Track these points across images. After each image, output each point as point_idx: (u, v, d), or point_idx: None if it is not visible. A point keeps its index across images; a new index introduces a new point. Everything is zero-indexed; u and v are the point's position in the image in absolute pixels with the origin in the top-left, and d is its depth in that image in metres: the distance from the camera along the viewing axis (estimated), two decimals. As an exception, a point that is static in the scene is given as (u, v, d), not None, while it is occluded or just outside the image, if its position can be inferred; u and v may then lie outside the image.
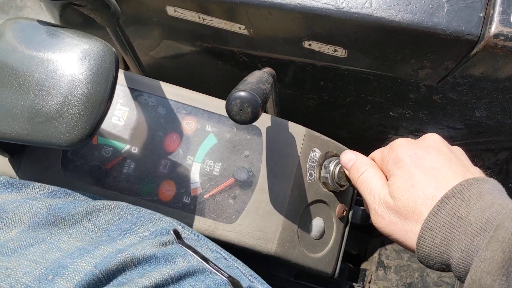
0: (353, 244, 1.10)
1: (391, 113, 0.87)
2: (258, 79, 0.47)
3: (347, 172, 0.56)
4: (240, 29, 0.73)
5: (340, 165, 0.58)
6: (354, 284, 0.73)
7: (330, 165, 0.59)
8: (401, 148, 0.50)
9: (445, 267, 0.44)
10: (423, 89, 0.75)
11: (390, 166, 0.50)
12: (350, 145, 1.09)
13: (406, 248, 0.48)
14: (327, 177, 0.59)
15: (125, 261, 0.39)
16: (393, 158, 0.50)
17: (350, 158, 0.56)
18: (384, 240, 1.04)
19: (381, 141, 1.02)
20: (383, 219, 0.48)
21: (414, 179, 0.46)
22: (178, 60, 0.96)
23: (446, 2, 0.62)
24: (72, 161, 0.54)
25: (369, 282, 1.02)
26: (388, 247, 1.03)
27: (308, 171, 0.58)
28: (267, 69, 0.53)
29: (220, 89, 1.03)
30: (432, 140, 0.51)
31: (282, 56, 0.78)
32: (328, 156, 0.60)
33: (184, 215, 0.54)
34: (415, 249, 0.45)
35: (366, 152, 0.70)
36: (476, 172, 0.47)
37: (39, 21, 0.43)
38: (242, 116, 0.43)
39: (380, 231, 0.51)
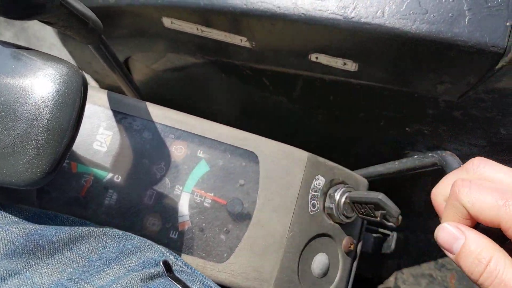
0: (367, 267, 1.04)
1: (407, 129, 0.80)
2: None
3: (450, 255, 0.37)
4: (241, 41, 0.67)
5: (346, 194, 0.52)
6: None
7: (335, 194, 0.53)
8: None
9: None
10: (442, 105, 0.69)
11: None
12: (364, 161, 1.03)
13: None
14: (332, 208, 0.52)
15: None
16: None
17: (455, 237, 0.36)
18: (400, 262, 0.97)
19: (398, 156, 0.95)
20: None
21: None
22: (181, 73, 0.91)
23: (467, 11, 0.55)
24: (48, 193, 0.49)
25: (385, 309, 0.95)
26: (405, 271, 0.96)
27: (311, 201, 0.52)
28: None
29: (225, 103, 0.97)
30: None
31: (288, 70, 0.72)
32: (333, 184, 0.54)
33: (169, 253, 0.48)
34: None
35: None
36: None
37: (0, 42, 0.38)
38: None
39: None
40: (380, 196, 0.47)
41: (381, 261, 1.05)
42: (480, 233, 0.36)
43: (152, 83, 1.02)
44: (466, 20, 0.55)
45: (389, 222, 0.47)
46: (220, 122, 1.07)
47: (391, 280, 0.98)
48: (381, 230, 0.66)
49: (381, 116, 0.79)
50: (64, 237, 0.41)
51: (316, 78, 0.72)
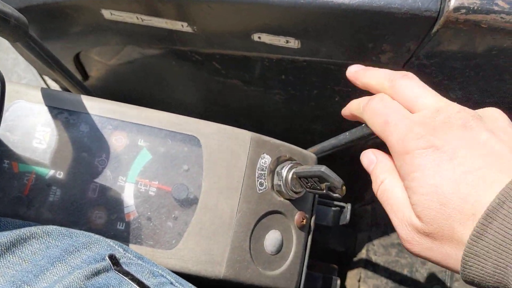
0: (339, 241, 1.05)
1: (362, 101, 0.81)
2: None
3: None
4: (183, 26, 0.66)
5: (293, 170, 0.52)
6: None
7: (282, 170, 0.53)
8: (417, 148, 0.36)
9: None
10: (389, 75, 0.69)
11: (404, 173, 0.37)
12: (326, 139, 1.03)
13: (451, 271, 0.39)
14: (280, 185, 0.53)
15: None
16: (407, 162, 0.36)
17: (370, 160, 0.44)
18: (370, 235, 0.98)
19: (359, 131, 0.95)
20: (412, 245, 0.37)
21: (442, 196, 0.34)
22: (137, 65, 0.90)
23: (398, -23, 0.55)
24: (-11, 195, 0.48)
25: (359, 281, 0.97)
26: (376, 242, 0.97)
27: (258, 180, 0.52)
28: None
29: (184, 92, 0.97)
30: (466, 122, 0.36)
31: (235, 52, 0.72)
32: (280, 161, 0.54)
33: (117, 244, 0.48)
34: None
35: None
36: None
37: None
38: None
39: (413, 255, 0.40)
40: (322, 169, 0.48)
41: (352, 234, 1.06)
42: (388, 157, 0.43)
43: (109, 78, 1.01)
44: (398, -14, 0.55)
45: (335, 193, 0.48)
46: (182, 111, 1.06)
47: (363, 252, 1.00)
48: (336, 203, 0.66)
49: (335, 92, 0.79)
50: (6, 241, 0.41)
51: (264, 58, 0.72)
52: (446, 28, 0.55)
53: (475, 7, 0.52)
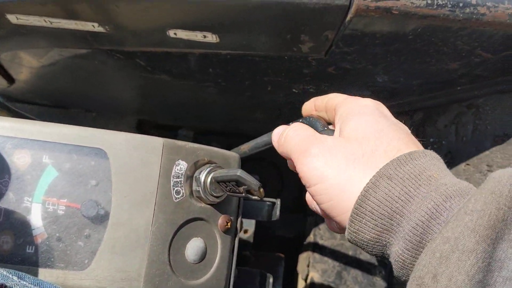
0: (287, 228, 1.05)
1: (294, 90, 0.80)
2: None
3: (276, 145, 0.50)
4: (94, 27, 0.63)
5: (211, 174, 0.51)
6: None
7: (200, 176, 0.51)
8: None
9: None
10: (314, 63, 0.68)
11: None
12: (268, 126, 1.02)
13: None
14: (199, 191, 0.51)
15: None
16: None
17: (277, 132, 0.50)
18: (317, 219, 0.98)
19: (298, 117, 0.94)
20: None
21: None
22: (62, 65, 0.85)
23: (308, -33, 0.53)
24: None
25: (308, 266, 0.97)
26: (321, 226, 0.98)
27: (174, 188, 0.50)
28: None
29: (116, 90, 0.93)
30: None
31: (155, 48, 0.69)
32: (199, 165, 0.53)
33: (25, 270, 0.46)
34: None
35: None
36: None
37: None
38: None
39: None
40: (238, 173, 0.46)
41: (301, 220, 1.06)
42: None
43: (37, 81, 0.96)
44: (308, -24, 0.53)
45: (254, 195, 0.47)
46: (119, 109, 1.02)
47: (311, 237, 1.00)
48: (267, 198, 0.65)
49: (266, 82, 0.78)
50: None
51: (186, 53, 0.70)
52: (359, 16, 0.54)
53: (385, -6, 0.51)
